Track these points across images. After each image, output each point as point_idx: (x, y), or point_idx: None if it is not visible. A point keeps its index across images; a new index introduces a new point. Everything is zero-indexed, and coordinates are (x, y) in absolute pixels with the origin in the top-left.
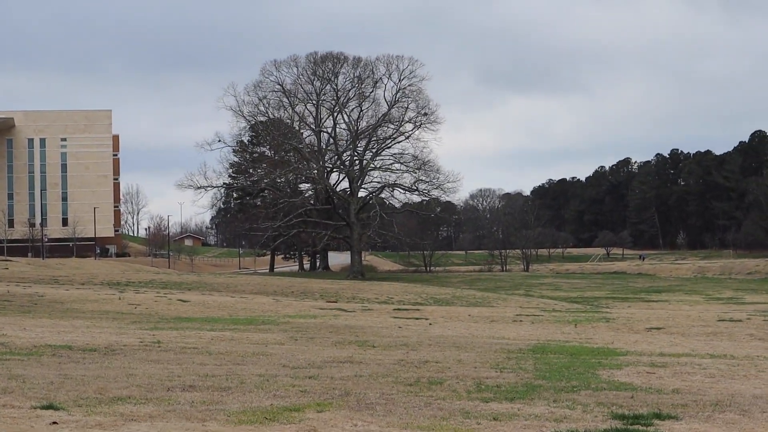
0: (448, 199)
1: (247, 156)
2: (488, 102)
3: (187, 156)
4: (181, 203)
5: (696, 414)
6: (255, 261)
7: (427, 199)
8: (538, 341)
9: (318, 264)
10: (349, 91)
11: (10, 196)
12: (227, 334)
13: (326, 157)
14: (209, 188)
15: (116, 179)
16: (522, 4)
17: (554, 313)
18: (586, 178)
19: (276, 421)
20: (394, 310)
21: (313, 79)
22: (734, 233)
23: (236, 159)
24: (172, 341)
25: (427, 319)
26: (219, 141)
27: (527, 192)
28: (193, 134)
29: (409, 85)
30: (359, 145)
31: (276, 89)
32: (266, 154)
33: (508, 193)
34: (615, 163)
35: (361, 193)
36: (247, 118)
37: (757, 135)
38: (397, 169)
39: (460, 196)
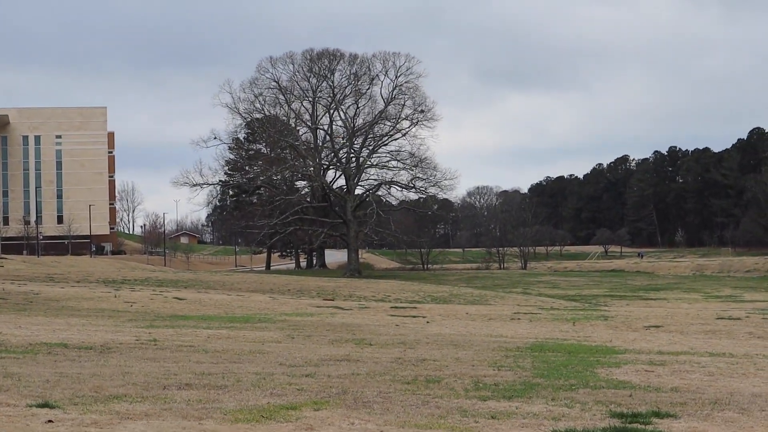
0: (445, 196)
1: (243, 153)
2: (486, 99)
3: (183, 153)
4: (176, 201)
5: (695, 412)
6: (251, 259)
7: (424, 196)
8: (536, 339)
9: (314, 262)
10: (346, 88)
11: (5, 194)
12: (223, 332)
13: (323, 155)
14: (205, 185)
15: (111, 176)
16: (521, 2)
17: (552, 311)
18: (584, 176)
19: (272, 420)
20: (391, 308)
21: (309, 76)
22: (733, 231)
23: (232, 156)
24: (168, 339)
25: (424, 317)
26: (215, 138)
27: (525, 189)
28: (189, 131)
29: (405, 82)
30: (356, 142)
31: (272, 86)
32: (262, 151)
33: (505, 191)
34: (613, 160)
35: (358, 191)
36: (243, 115)
37: (756, 132)
38: (394, 167)
39: (457, 193)
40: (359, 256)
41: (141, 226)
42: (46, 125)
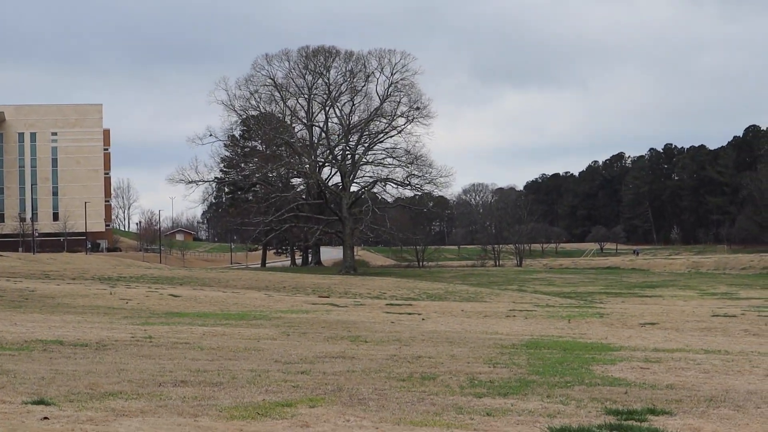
0: (440, 193)
1: (239, 150)
2: (483, 97)
3: (179, 150)
4: (172, 198)
5: (690, 409)
6: (247, 256)
7: (419, 193)
8: (532, 336)
9: (310, 259)
10: (341, 85)
11: (1, 191)
12: (219, 329)
13: (318, 152)
14: (200, 183)
15: (107, 174)
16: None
17: (547, 308)
18: (580, 173)
19: (268, 417)
20: (387, 305)
21: (305, 73)
22: (728, 228)
23: (228, 153)
24: (163, 336)
25: (419, 314)
26: (210, 135)
27: (520, 187)
28: (185, 129)
29: (401, 79)
30: (351, 139)
31: (267, 83)
32: (258, 148)
33: (501, 188)
34: (609, 157)
35: (353, 188)
36: (239, 112)
37: (751, 130)
38: (390, 164)
39: (452, 190)
40: (354, 254)
41: (136, 224)
42: (41, 122)
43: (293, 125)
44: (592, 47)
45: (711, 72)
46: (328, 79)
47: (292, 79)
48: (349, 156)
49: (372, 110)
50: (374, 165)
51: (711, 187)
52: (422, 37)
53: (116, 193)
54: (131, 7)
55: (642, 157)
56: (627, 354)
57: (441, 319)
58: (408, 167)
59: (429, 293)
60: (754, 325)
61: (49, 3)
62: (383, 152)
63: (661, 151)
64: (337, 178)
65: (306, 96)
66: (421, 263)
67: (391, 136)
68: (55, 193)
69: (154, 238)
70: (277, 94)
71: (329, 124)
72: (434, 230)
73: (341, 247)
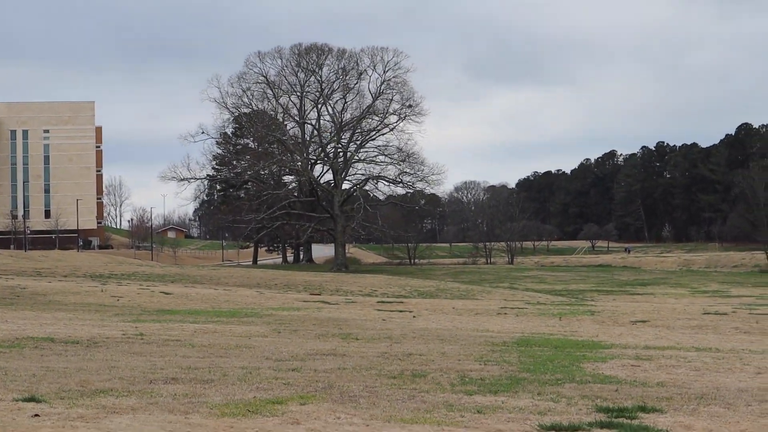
0: (432, 191)
1: (231, 148)
2: (474, 94)
3: (171, 148)
4: (164, 195)
5: (681, 407)
6: (238, 253)
7: (411, 191)
8: (523, 334)
9: (301, 256)
10: (334, 82)
11: None
12: (210, 327)
13: (310, 149)
14: (192, 180)
15: (99, 171)
16: None
17: (539, 306)
18: (572, 171)
19: (259, 414)
20: (378, 302)
21: (297, 71)
22: (720, 226)
23: (220, 151)
24: (154, 334)
25: (411, 311)
26: (203, 133)
27: (512, 184)
28: (177, 126)
29: (393, 77)
30: (343, 137)
31: (260, 81)
32: (250, 145)
33: (492, 186)
34: (601, 155)
35: (345, 185)
36: (231, 109)
37: (744, 128)
38: (382, 161)
39: (444, 188)
40: (346, 251)
41: (128, 221)
42: (34, 120)
43: (285, 123)
44: (585, 45)
45: (703, 70)
46: (321, 77)
47: (285, 77)
48: (341, 153)
49: (364, 108)
50: (366, 162)
51: (703, 185)
52: (415, 35)
53: (108, 190)
54: (124, 4)
55: (634, 155)
56: (618, 351)
57: (432, 317)
58: (400, 165)
59: (420, 291)
60: (745, 322)
61: (42, 0)
62: (375, 150)
63: (654, 149)
64: (329, 176)
65: (298, 93)
66: (412, 261)
67: (383, 134)
68: (47, 191)
69: (145, 235)
70: (269, 91)
71: (321, 121)
72: (426, 228)
73: (333, 244)
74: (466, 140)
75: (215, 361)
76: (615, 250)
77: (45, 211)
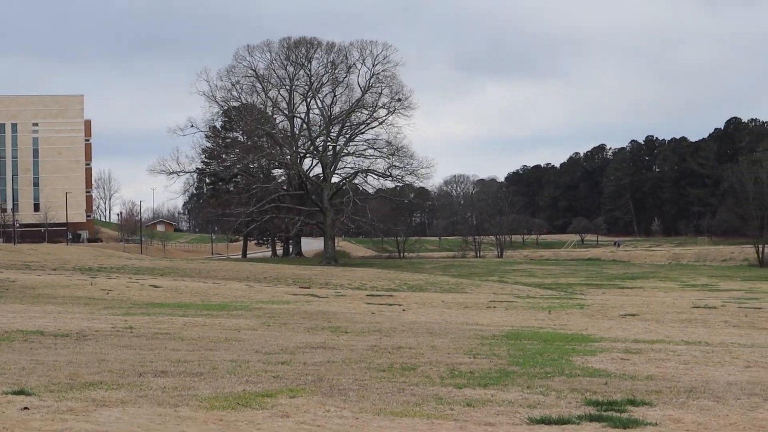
0: (421, 185)
1: (220, 141)
2: (464, 88)
3: (160, 141)
4: (153, 189)
5: (670, 400)
6: (227, 247)
7: (400, 185)
8: (512, 327)
9: (291, 250)
10: (323, 76)
11: None
12: (199, 320)
13: (299, 143)
14: (182, 173)
15: (88, 164)
16: None
17: (528, 300)
18: (561, 165)
19: (248, 407)
20: (368, 296)
21: (287, 65)
22: (709, 220)
23: (209, 144)
24: (144, 327)
25: (400, 305)
26: (192, 126)
27: (501, 178)
28: (166, 120)
29: (383, 71)
30: (332, 130)
31: (249, 74)
32: (239, 139)
33: (482, 180)
34: (590, 149)
35: (335, 179)
36: (220, 103)
37: (733, 122)
38: (371, 155)
39: (434, 182)
40: (335, 244)
41: (117, 214)
42: (22, 113)
43: (274, 116)
44: (574, 39)
45: (692, 64)
46: (310, 71)
47: (274, 70)
48: (330, 147)
49: (353, 101)
50: (355, 156)
51: (692, 179)
52: (404, 28)
53: (97, 183)
54: None
55: (623, 149)
56: (607, 345)
57: (421, 310)
58: (389, 158)
59: (410, 284)
60: (734, 316)
61: None
62: (364, 143)
63: (643, 143)
64: (318, 169)
65: (287, 87)
66: (402, 254)
67: (373, 128)
68: (36, 184)
69: (135, 228)
70: (258, 85)
71: (311, 115)
72: (415, 221)
73: (322, 238)
74: (456, 134)
75: (205, 354)
76: (604, 243)
77: (34, 204)
